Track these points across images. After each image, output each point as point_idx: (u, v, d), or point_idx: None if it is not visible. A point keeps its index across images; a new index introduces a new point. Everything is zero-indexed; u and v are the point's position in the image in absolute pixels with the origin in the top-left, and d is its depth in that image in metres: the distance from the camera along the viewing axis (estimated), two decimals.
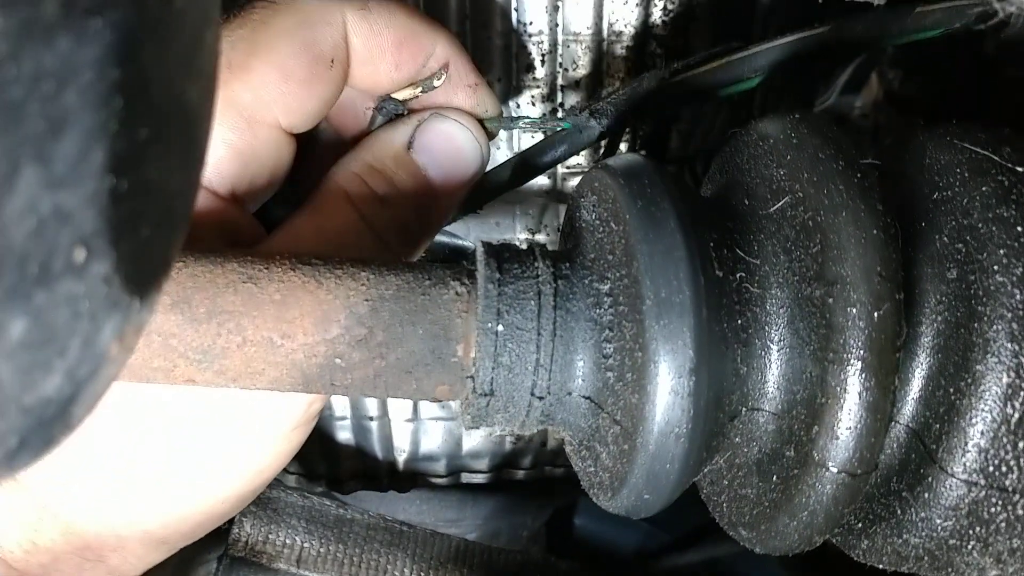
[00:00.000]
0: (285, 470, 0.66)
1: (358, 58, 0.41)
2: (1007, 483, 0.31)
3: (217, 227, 0.39)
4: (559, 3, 0.51)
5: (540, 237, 0.59)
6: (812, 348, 0.32)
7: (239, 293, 0.33)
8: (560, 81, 0.54)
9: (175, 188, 0.19)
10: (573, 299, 0.34)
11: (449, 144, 0.42)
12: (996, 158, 0.33)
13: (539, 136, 0.55)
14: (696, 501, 0.40)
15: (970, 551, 0.33)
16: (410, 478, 0.66)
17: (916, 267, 0.33)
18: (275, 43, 0.38)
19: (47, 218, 0.14)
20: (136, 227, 0.17)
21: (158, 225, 0.18)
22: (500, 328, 0.33)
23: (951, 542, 0.33)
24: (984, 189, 0.33)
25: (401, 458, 0.65)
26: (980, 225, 0.32)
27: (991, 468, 0.31)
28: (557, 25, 0.52)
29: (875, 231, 0.32)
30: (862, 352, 0.31)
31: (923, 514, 0.33)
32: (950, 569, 0.34)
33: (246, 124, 0.39)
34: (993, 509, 0.32)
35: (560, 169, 0.57)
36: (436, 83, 0.42)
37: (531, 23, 0.52)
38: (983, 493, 0.31)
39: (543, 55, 0.53)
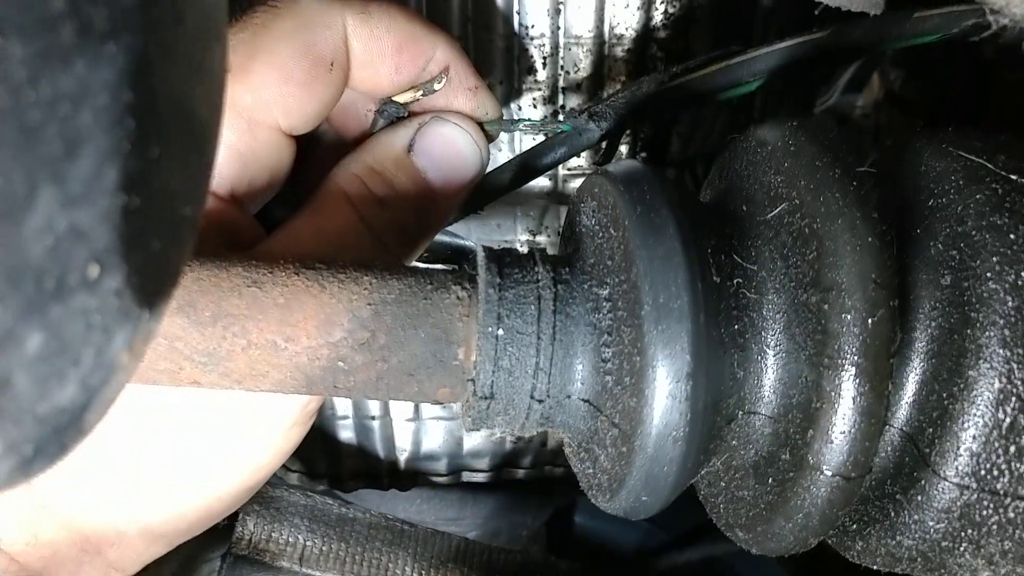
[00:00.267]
0: (287, 468, 0.66)
1: (358, 61, 0.41)
2: (998, 486, 0.32)
3: (216, 228, 0.39)
4: (561, 6, 0.52)
5: (541, 238, 0.59)
6: (808, 353, 0.33)
7: (243, 297, 0.33)
8: (561, 83, 0.54)
9: (185, 201, 0.19)
10: (573, 304, 0.35)
11: (449, 147, 0.43)
12: (990, 166, 0.34)
13: (540, 138, 0.56)
14: (695, 501, 0.41)
15: (962, 553, 0.33)
16: (411, 477, 0.67)
17: (911, 273, 0.34)
18: (275, 46, 0.39)
19: (63, 236, 0.15)
20: (147, 241, 0.17)
21: (168, 238, 0.18)
22: (500, 332, 0.34)
23: (944, 544, 0.33)
24: (978, 197, 0.33)
25: (402, 457, 0.66)
26: (974, 232, 0.32)
27: (983, 472, 0.32)
28: (559, 28, 0.53)
29: (870, 238, 0.32)
30: (856, 358, 0.31)
31: (916, 516, 0.33)
32: (943, 571, 0.34)
33: (246, 126, 0.39)
34: (985, 512, 0.32)
35: (561, 171, 0.58)
36: (437, 87, 0.42)
37: (533, 26, 0.53)
38: (975, 496, 0.32)
39: (544, 57, 0.54)
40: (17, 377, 0.15)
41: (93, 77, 0.14)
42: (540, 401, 0.35)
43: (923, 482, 0.33)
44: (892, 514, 0.34)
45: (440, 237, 0.57)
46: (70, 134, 0.14)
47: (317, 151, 0.45)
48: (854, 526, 0.36)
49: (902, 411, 0.34)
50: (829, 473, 0.32)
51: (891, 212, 0.34)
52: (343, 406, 0.63)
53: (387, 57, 0.41)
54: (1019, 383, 0.31)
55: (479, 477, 0.67)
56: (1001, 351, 0.31)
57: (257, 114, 0.39)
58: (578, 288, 0.35)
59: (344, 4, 0.40)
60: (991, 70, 0.64)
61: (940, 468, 0.32)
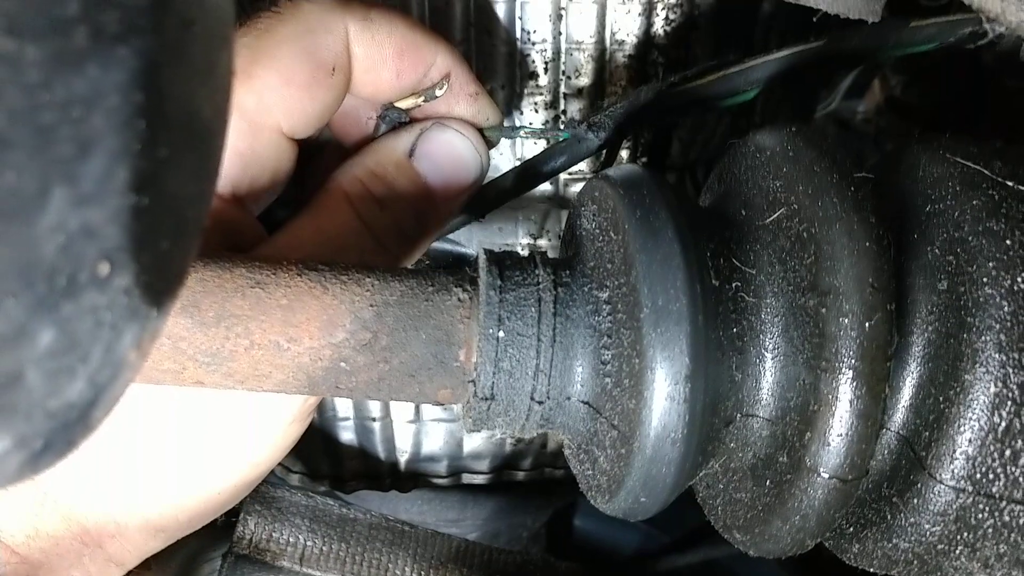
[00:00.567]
0: (288, 469, 0.66)
1: (360, 66, 0.42)
2: (994, 490, 0.32)
3: (219, 228, 0.40)
4: (562, 12, 0.52)
5: (542, 242, 0.59)
6: (805, 356, 0.33)
7: (247, 298, 0.33)
8: (563, 89, 0.55)
9: (191, 202, 0.20)
10: (573, 306, 0.35)
11: (449, 153, 0.43)
12: (987, 172, 0.34)
13: (542, 143, 0.56)
14: (694, 503, 0.41)
15: (958, 556, 0.33)
16: (412, 478, 0.67)
17: (908, 278, 0.34)
18: (278, 50, 0.39)
19: (75, 234, 0.15)
20: (155, 240, 0.18)
21: (175, 238, 0.19)
22: (501, 334, 0.34)
23: (939, 547, 0.33)
24: (975, 202, 0.33)
25: (403, 459, 0.66)
26: (971, 238, 0.33)
27: (979, 475, 0.32)
28: (560, 33, 0.53)
29: (868, 243, 0.32)
30: (854, 361, 0.31)
31: (912, 519, 0.33)
32: (939, 573, 0.35)
33: (248, 128, 0.40)
34: (980, 515, 0.32)
35: (562, 176, 0.58)
36: (438, 93, 0.43)
37: (535, 31, 0.53)
38: (971, 499, 0.32)
39: (546, 63, 0.54)
40: (28, 373, 0.16)
41: (105, 79, 0.15)
42: (540, 403, 0.35)
43: (919, 485, 0.33)
44: (888, 517, 0.34)
45: (442, 245, 0.58)
46: (82, 135, 0.15)
47: (319, 155, 0.45)
48: (851, 528, 0.36)
49: (898, 414, 0.34)
50: (826, 475, 0.32)
51: (888, 217, 0.34)
52: (344, 407, 0.63)
53: (388, 63, 0.42)
54: (1015, 387, 0.31)
55: (479, 479, 0.67)
56: (997, 355, 0.31)
57: (259, 117, 0.40)
58: (578, 291, 0.36)
59: (346, 10, 0.41)
60: (991, 77, 0.65)
61: (936, 471, 0.32)
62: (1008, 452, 0.32)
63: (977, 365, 0.32)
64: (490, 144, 0.46)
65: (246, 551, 0.48)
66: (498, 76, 0.54)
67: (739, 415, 0.35)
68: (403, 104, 0.44)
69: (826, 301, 0.32)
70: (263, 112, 0.40)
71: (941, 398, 0.32)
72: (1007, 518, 0.32)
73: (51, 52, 0.14)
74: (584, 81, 0.54)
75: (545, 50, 0.53)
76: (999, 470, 0.32)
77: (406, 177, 0.43)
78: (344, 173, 0.42)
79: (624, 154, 0.57)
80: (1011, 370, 0.31)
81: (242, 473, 0.41)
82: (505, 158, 0.57)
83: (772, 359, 0.34)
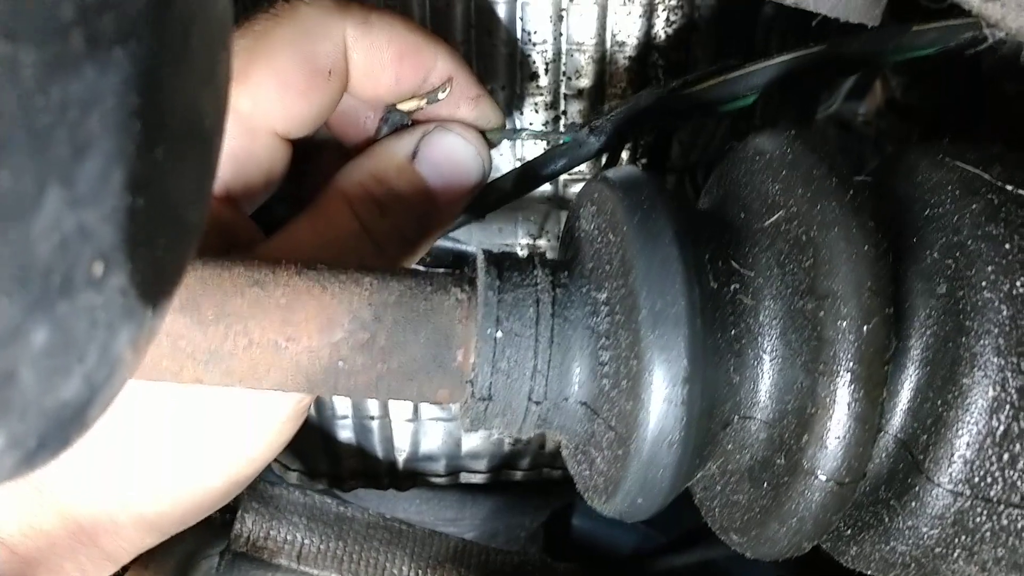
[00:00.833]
0: (286, 467, 0.67)
1: (359, 70, 0.41)
2: (992, 494, 0.32)
3: (213, 227, 0.40)
4: (563, 13, 0.52)
5: (542, 243, 0.60)
6: (803, 360, 0.33)
7: (246, 297, 0.34)
8: (563, 90, 0.55)
9: (188, 203, 0.20)
10: (571, 307, 0.35)
11: (451, 156, 0.43)
12: (986, 176, 0.34)
13: (543, 144, 0.56)
14: (691, 504, 0.41)
15: (955, 559, 0.33)
16: (410, 477, 0.67)
17: (906, 282, 0.34)
18: (274, 53, 0.39)
19: (70, 235, 0.15)
20: (151, 241, 0.18)
21: (172, 238, 0.19)
22: (499, 335, 0.34)
23: (937, 550, 0.33)
24: (974, 207, 0.33)
25: (401, 457, 0.66)
26: (969, 242, 0.33)
27: (976, 479, 0.32)
28: (561, 34, 0.53)
29: (866, 247, 0.32)
30: (851, 364, 0.31)
31: (910, 522, 0.33)
32: None
33: (243, 130, 0.40)
34: (978, 519, 0.32)
35: (562, 176, 0.58)
36: (440, 96, 0.43)
37: (535, 32, 0.53)
38: (969, 503, 0.32)
39: (547, 64, 0.54)
40: (23, 372, 0.16)
41: (101, 82, 0.15)
42: (537, 403, 0.35)
43: (917, 488, 0.33)
44: (886, 520, 0.34)
45: (442, 243, 0.58)
46: (78, 137, 0.15)
47: (317, 152, 0.45)
48: (848, 531, 0.37)
49: (896, 418, 0.34)
50: (824, 478, 0.32)
51: (887, 221, 0.34)
52: (342, 406, 0.63)
53: (387, 67, 0.42)
54: (1013, 391, 0.31)
55: (477, 478, 0.67)
56: (995, 359, 0.31)
57: (254, 119, 0.40)
58: (576, 292, 0.36)
59: (345, 13, 0.41)
60: (991, 81, 0.65)
61: (934, 475, 0.32)
62: (1006, 456, 0.32)
63: (975, 369, 0.32)
64: (491, 146, 0.46)
65: (243, 549, 0.48)
66: (499, 77, 0.54)
67: (736, 418, 0.35)
68: (405, 107, 0.44)
69: (824, 305, 0.32)
70: (258, 115, 0.40)
71: (939, 402, 0.32)
72: (1005, 522, 0.32)
73: (47, 56, 0.14)
74: (585, 82, 0.54)
75: (546, 51, 0.53)
76: (997, 474, 0.32)
77: (408, 180, 0.43)
78: (345, 176, 0.42)
79: (624, 155, 0.57)
80: (1009, 374, 0.31)
81: (237, 469, 0.41)
82: (505, 159, 0.57)
83: (770, 362, 0.34)
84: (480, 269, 0.35)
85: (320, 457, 0.65)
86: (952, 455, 0.32)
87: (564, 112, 0.55)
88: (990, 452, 0.32)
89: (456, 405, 0.63)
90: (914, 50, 0.43)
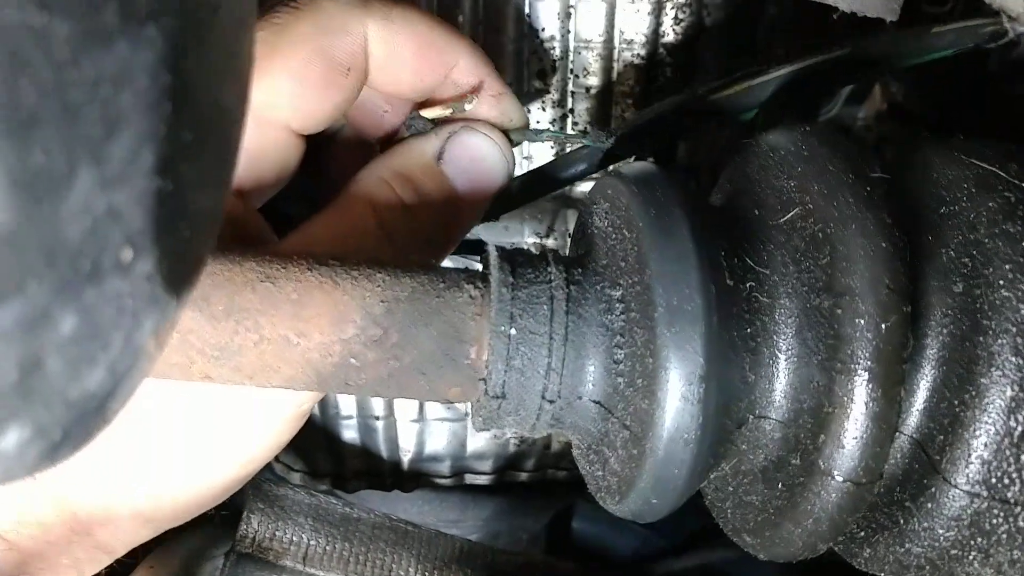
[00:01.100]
0: (289, 468, 0.66)
1: (378, 66, 0.41)
2: (1009, 495, 0.32)
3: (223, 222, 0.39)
4: (571, 10, 0.52)
5: (549, 242, 0.59)
6: (820, 358, 0.33)
7: (257, 292, 0.33)
8: (571, 87, 0.55)
9: (212, 189, 0.19)
10: (585, 304, 0.35)
11: (478, 158, 0.43)
12: (1003, 174, 0.34)
13: (549, 143, 0.56)
14: (693, 508, 0.41)
15: (971, 562, 0.33)
16: (414, 478, 0.67)
17: (922, 280, 0.34)
18: (293, 48, 0.39)
19: (100, 217, 0.15)
20: (177, 228, 0.17)
21: (196, 226, 0.18)
22: (513, 332, 0.34)
23: (953, 552, 0.33)
24: (991, 204, 0.33)
25: (406, 458, 0.66)
26: (986, 240, 0.32)
27: (993, 480, 0.32)
28: (569, 32, 0.53)
29: (883, 244, 0.32)
30: (869, 363, 0.31)
31: (926, 524, 0.33)
32: None
33: (256, 124, 0.39)
34: (995, 520, 0.32)
35: None
36: (467, 106, 0.42)
37: (543, 29, 0.53)
38: (985, 504, 0.32)
39: (554, 61, 0.54)
40: (49, 359, 0.15)
41: (134, 59, 0.14)
42: (551, 402, 0.34)
43: (933, 489, 0.33)
44: (901, 521, 0.34)
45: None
46: (110, 115, 0.14)
47: (332, 146, 0.45)
48: (862, 533, 0.36)
49: (913, 418, 0.34)
50: (840, 478, 0.32)
51: (902, 219, 0.34)
52: (347, 406, 0.63)
53: (408, 64, 0.41)
54: None
55: (482, 479, 0.67)
56: (1013, 359, 0.31)
57: (268, 112, 0.39)
58: (591, 289, 0.35)
59: (366, 10, 0.40)
60: (995, 83, 0.65)
61: (951, 475, 0.32)
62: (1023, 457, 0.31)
63: (993, 368, 0.31)
64: (513, 145, 0.45)
65: (249, 550, 0.47)
66: (506, 74, 0.54)
67: (751, 417, 0.34)
68: (430, 114, 0.43)
69: (841, 302, 0.32)
70: (272, 108, 0.39)
71: (956, 402, 0.32)
72: (1022, 523, 0.32)
73: (81, 29, 0.13)
74: (592, 80, 0.54)
75: (553, 48, 0.53)
76: (1014, 475, 0.31)
77: (433, 181, 0.42)
78: (367, 174, 0.41)
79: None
80: None
81: (236, 468, 0.41)
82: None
83: (786, 360, 0.34)
84: (493, 266, 0.35)
85: (323, 457, 0.65)
86: (969, 456, 0.32)
87: (571, 110, 0.55)
88: (1008, 453, 0.31)
89: (463, 405, 0.63)
90: (933, 51, 0.43)
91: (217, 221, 0.21)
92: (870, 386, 0.31)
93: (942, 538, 0.33)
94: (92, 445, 0.39)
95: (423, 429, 0.64)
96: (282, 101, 0.39)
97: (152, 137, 0.15)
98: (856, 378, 0.31)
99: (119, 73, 0.14)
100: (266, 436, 0.40)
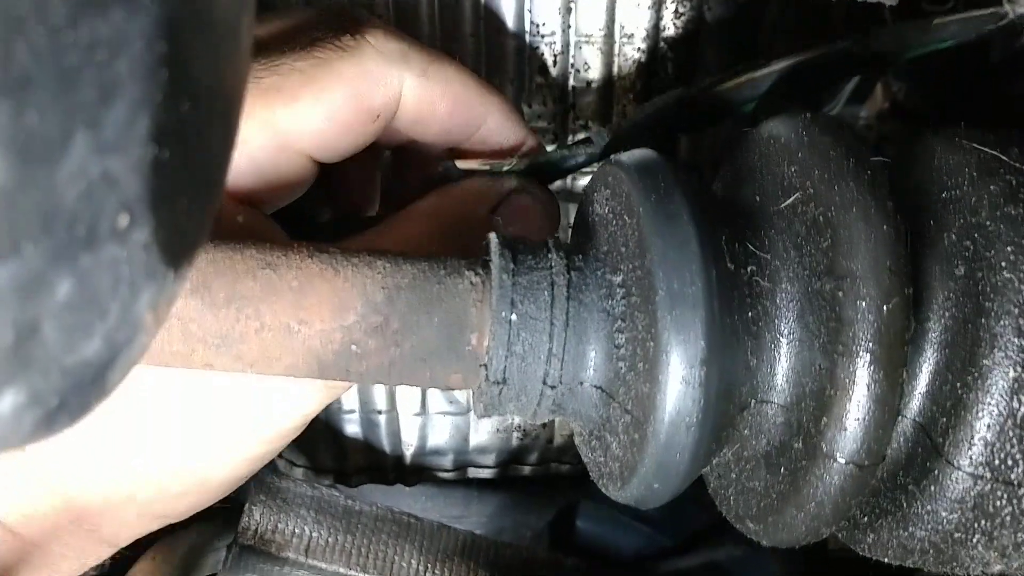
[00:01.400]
0: (292, 463, 0.66)
1: (409, 117, 0.42)
2: (1013, 477, 0.32)
3: (232, 228, 0.40)
4: (571, 4, 0.52)
5: None
6: (821, 341, 0.33)
7: (258, 279, 0.33)
8: (572, 82, 0.55)
9: (210, 164, 0.19)
10: (586, 290, 0.35)
11: (529, 219, 0.44)
12: (1004, 158, 0.34)
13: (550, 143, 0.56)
14: (696, 507, 0.41)
15: (975, 544, 0.33)
16: (417, 472, 0.67)
17: (924, 263, 0.34)
18: (330, 86, 0.40)
19: (96, 182, 0.15)
20: (175, 197, 0.17)
21: (194, 197, 0.19)
22: (514, 318, 0.34)
23: (956, 535, 0.33)
24: (992, 188, 0.33)
25: (409, 452, 0.66)
26: (988, 223, 0.32)
27: (997, 462, 0.31)
28: (569, 26, 0.53)
29: (885, 227, 0.32)
30: (871, 345, 0.31)
31: (929, 507, 0.33)
32: (955, 563, 0.34)
33: (276, 148, 0.40)
34: (999, 503, 0.32)
35: None
36: (505, 167, 0.44)
37: (544, 24, 0.53)
38: (989, 487, 0.32)
39: (555, 56, 0.54)
40: (45, 325, 0.15)
41: (130, 24, 0.15)
42: (552, 387, 0.34)
43: (936, 472, 0.32)
44: (904, 505, 0.34)
45: None
46: (106, 80, 0.14)
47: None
48: (865, 518, 0.36)
49: (915, 401, 0.33)
50: (843, 461, 0.32)
51: (905, 203, 0.34)
52: (349, 400, 0.63)
53: (437, 120, 0.43)
54: None
55: (485, 473, 0.67)
56: (1016, 340, 0.31)
57: (290, 137, 0.40)
58: (591, 275, 0.35)
59: (405, 63, 0.41)
60: (997, 82, 0.65)
61: (954, 458, 0.32)
62: None
63: (996, 350, 0.31)
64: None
65: (251, 542, 0.48)
66: (507, 70, 0.54)
67: (753, 401, 0.34)
68: (465, 166, 0.44)
69: (843, 285, 0.32)
70: (298, 136, 0.40)
71: (959, 384, 0.32)
72: None
73: None
74: (593, 75, 0.54)
75: (554, 43, 0.53)
76: (1018, 456, 0.31)
77: (483, 231, 0.43)
78: (417, 213, 0.43)
79: None
80: None
81: (238, 465, 0.41)
82: None
83: (787, 344, 0.34)
84: (494, 252, 0.35)
85: (326, 452, 0.65)
86: (972, 438, 0.32)
87: (573, 104, 0.55)
88: (1011, 434, 0.31)
89: (465, 398, 0.63)
90: (935, 43, 0.42)
91: (216, 198, 0.21)
92: (872, 368, 0.31)
93: (946, 521, 0.33)
94: (98, 437, 0.40)
95: (426, 423, 0.64)
96: (309, 132, 0.40)
97: (148, 104, 0.16)
98: (858, 360, 0.31)
99: (115, 38, 0.14)
100: (269, 435, 0.41)
